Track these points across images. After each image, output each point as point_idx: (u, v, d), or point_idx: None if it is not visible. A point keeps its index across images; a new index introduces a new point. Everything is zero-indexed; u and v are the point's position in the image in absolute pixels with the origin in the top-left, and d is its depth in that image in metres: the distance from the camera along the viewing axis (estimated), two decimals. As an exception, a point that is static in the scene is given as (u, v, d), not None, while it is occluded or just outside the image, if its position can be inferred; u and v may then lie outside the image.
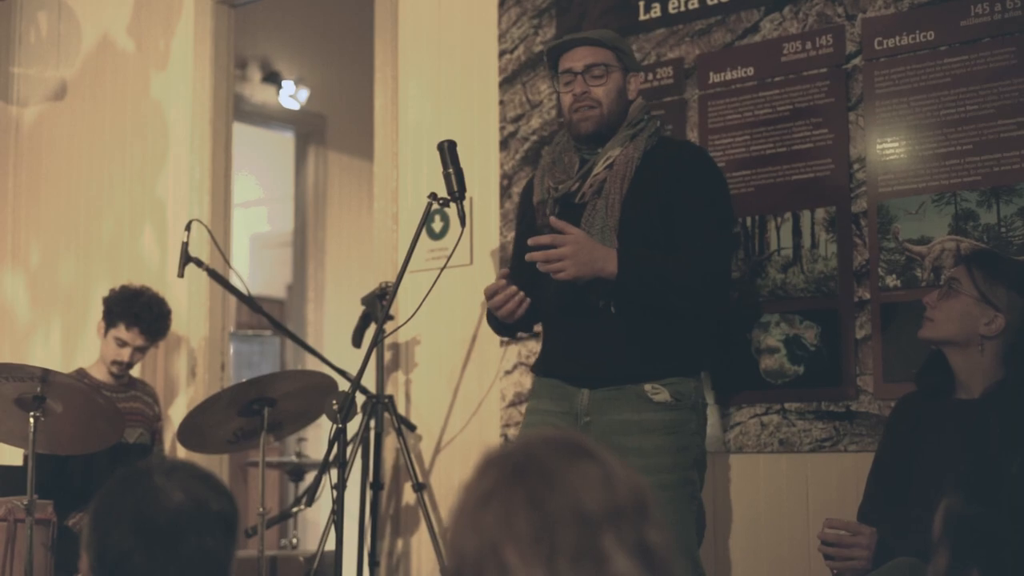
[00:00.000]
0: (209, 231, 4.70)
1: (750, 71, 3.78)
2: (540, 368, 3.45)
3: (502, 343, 4.17)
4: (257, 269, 8.79)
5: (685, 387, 3.24)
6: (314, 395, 4.05)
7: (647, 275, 3.16)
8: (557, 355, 3.37)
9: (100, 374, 4.67)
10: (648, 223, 3.23)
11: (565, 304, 3.30)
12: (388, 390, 4.36)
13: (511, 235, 4.18)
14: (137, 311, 4.60)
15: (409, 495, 4.33)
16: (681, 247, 3.21)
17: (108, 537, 1.67)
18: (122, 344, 4.60)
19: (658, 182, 3.26)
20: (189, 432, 4.13)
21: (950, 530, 2.18)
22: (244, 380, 4.16)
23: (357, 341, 4.30)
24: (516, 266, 3.54)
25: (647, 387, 3.21)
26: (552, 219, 3.16)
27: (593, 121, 3.31)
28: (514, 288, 3.25)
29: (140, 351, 4.67)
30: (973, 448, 2.78)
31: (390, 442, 4.35)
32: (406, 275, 3.55)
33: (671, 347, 3.23)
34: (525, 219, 3.53)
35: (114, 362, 4.62)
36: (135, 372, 4.89)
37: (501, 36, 4.35)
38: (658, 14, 3.97)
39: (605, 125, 3.31)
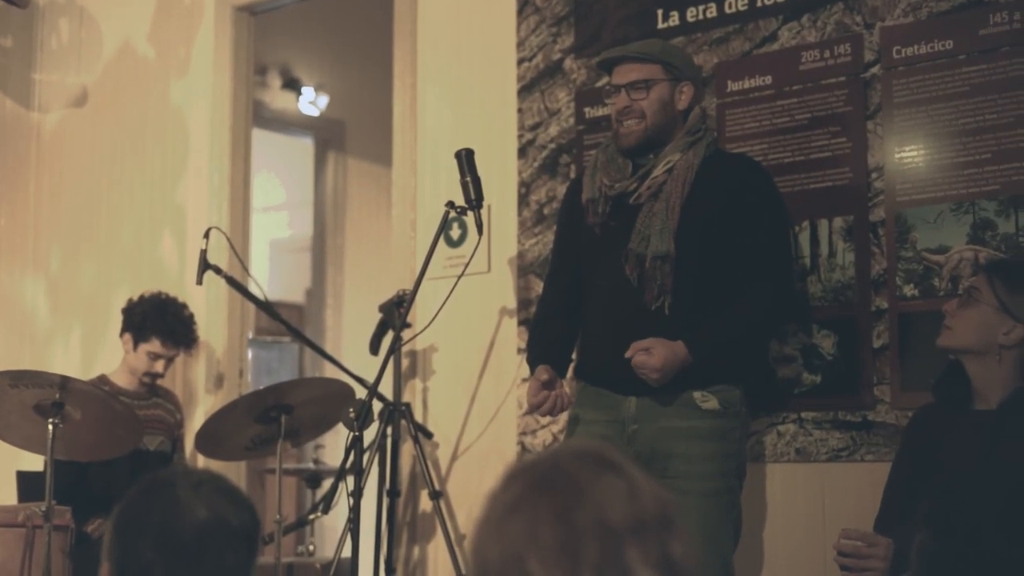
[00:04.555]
0: (228, 238, 4.71)
1: (768, 79, 3.78)
2: (583, 373, 3.45)
3: (519, 351, 4.17)
4: (276, 274, 8.79)
5: (732, 395, 3.29)
6: (331, 402, 4.05)
7: (719, 343, 3.26)
8: (603, 361, 3.36)
9: (122, 381, 4.70)
10: (703, 229, 3.27)
11: (615, 307, 3.33)
12: (405, 398, 4.36)
13: (529, 243, 4.20)
14: (171, 326, 4.66)
15: (425, 502, 4.34)
16: (748, 269, 3.29)
17: (130, 548, 1.68)
18: (156, 357, 4.66)
19: (716, 191, 3.30)
20: (207, 439, 4.15)
21: (924, 565, 2.18)
22: (262, 387, 4.17)
23: (375, 349, 4.31)
24: (560, 264, 3.59)
25: (696, 394, 3.25)
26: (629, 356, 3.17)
27: (635, 136, 3.37)
28: (555, 393, 3.30)
29: (172, 360, 4.73)
30: (987, 459, 2.77)
31: (407, 449, 4.36)
32: (424, 282, 3.56)
33: None
34: (572, 217, 3.54)
35: (147, 374, 4.68)
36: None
37: (520, 44, 4.35)
38: (676, 22, 3.97)
39: (647, 139, 3.36)
